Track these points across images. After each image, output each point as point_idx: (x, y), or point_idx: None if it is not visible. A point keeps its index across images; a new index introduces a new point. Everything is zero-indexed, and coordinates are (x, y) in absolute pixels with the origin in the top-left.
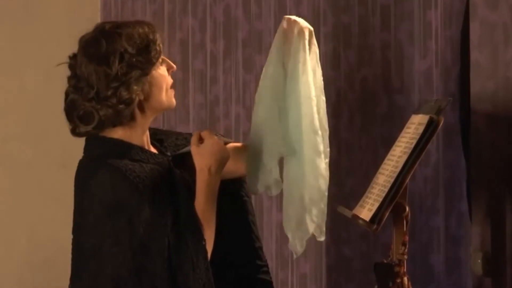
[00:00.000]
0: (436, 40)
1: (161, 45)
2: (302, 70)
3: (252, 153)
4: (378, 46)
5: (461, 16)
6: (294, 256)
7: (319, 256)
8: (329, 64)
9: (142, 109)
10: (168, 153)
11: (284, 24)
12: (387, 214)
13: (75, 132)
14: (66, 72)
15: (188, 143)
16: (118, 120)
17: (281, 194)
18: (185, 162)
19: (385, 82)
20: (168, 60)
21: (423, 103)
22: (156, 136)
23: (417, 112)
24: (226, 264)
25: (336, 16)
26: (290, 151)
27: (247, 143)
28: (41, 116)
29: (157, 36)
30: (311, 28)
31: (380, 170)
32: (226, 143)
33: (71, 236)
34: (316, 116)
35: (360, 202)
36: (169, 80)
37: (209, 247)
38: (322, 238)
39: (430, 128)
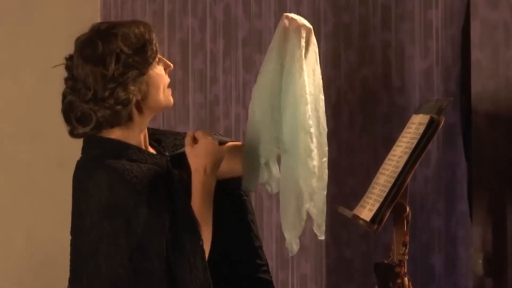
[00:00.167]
0: (437, 39)
1: (157, 45)
2: (297, 68)
3: (247, 149)
4: (379, 45)
5: (462, 15)
6: (289, 254)
7: (319, 256)
8: (329, 64)
9: (139, 109)
10: (167, 153)
11: (285, 22)
12: (387, 214)
13: (73, 133)
14: (65, 72)
15: None
16: (116, 121)
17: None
18: (184, 162)
19: (385, 82)
20: (165, 59)
21: (423, 103)
22: (155, 136)
23: (417, 112)
24: (225, 263)
25: (337, 16)
26: (282, 149)
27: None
28: (40, 115)
29: (153, 35)
30: (310, 26)
31: (381, 170)
32: (222, 143)
33: (69, 237)
34: (308, 115)
35: (361, 202)
36: (166, 79)
37: (207, 247)
38: (322, 237)
39: (430, 128)
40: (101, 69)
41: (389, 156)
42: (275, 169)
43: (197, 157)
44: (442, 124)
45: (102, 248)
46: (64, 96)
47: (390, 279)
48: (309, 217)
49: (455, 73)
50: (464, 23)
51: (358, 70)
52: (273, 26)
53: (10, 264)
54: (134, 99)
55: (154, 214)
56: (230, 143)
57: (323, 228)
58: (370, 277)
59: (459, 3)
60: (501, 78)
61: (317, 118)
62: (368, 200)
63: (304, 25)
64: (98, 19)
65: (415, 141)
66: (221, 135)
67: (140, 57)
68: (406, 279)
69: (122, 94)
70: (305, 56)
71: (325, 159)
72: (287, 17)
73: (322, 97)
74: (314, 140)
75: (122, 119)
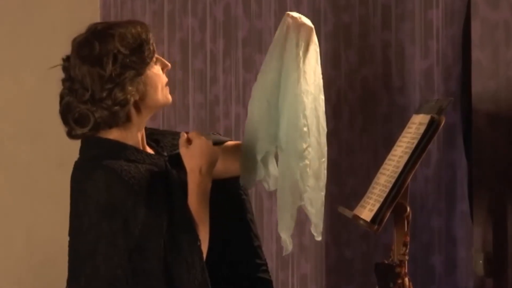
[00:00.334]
0: (437, 39)
1: (154, 44)
2: (294, 67)
3: (245, 146)
4: (379, 45)
5: (462, 15)
6: (284, 253)
7: (319, 256)
8: (329, 64)
9: (138, 109)
10: (165, 153)
11: (288, 20)
12: (388, 214)
13: (71, 134)
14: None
15: None
16: (114, 121)
17: None
18: (182, 162)
19: (385, 82)
20: (162, 59)
21: (424, 103)
22: (153, 136)
23: (418, 112)
24: (225, 263)
25: (337, 16)
26: (279, 147)
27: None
28: (40, 116)
29: (150, 35)
30: (312, 26)
31: (381, 170)
32: (219, 142)
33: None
34: (302, 114)
35: (361, 203)
36: (164, 79)
37: (204, 248)
38: (319, 238)
39: (431, 128)
40: (98, 69)
41: (390, 156)
42: (272, 166)
43: (192, 157)
44: (442, 124)
45: (100, 248)
46: (62, 97)
47: (390, 279)
48: (308, 217)
49: (456, 73)
50: (465, 22)
51: (358, 70)
52: (273, 26)
53: (10, 264)
54: (132, 100)
55: (152, 214)
56: (227, 143)
57: (320, 229)
58: (370, 277)
59: (460, 3)
60: (501, 78)
61: (317, 118)
62: (369, 200)
63: (304, 24)
64: (98, 19)
65: (415, 141)
66: (221, 135)
67: (137, 57)
68: (406, 279)
69: (119, 95)
70: (306, 56)
71: (324, 159)
72: (289, 15)
73: (322, 97)
74: (308, 139)
75: (120, 120)
